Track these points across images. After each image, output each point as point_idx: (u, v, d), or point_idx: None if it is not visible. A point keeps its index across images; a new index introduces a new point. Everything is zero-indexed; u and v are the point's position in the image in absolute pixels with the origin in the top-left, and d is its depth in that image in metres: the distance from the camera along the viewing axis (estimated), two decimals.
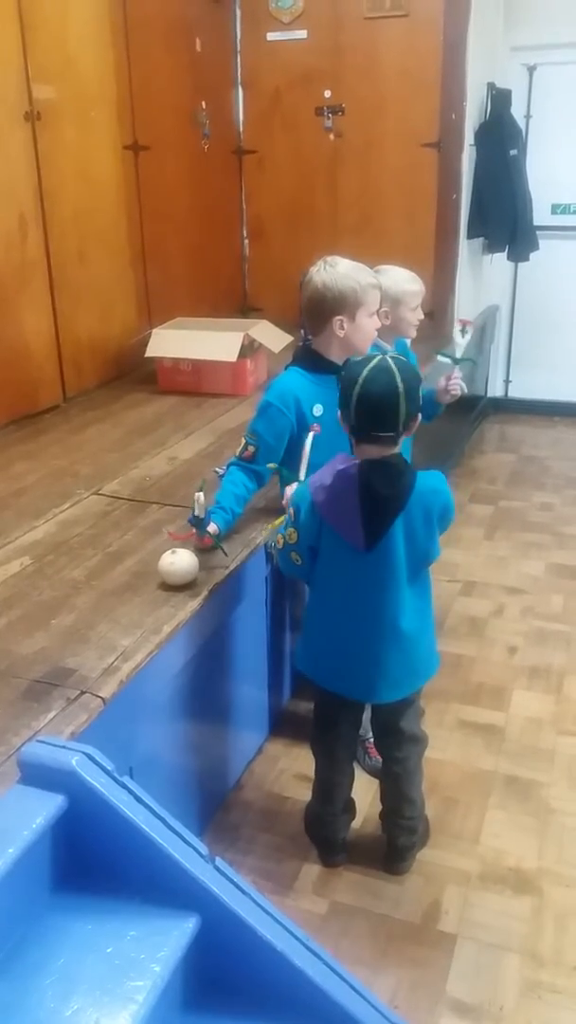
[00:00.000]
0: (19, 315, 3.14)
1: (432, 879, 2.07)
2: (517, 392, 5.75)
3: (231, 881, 1.28)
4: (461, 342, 2.52)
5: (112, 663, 1.62)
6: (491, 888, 2.04)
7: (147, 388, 3.61)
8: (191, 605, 1.85)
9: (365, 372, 1.67)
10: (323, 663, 1.95)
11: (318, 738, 2.08)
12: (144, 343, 3.57)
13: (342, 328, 2.12)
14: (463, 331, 2.53)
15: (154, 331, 3.58)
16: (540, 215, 5.05)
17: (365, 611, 1.82)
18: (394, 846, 2.08)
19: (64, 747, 1.29)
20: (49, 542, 2.18)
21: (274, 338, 3.56)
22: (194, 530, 2.02)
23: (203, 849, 1.30)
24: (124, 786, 1.28)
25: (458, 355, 2.51)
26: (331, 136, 4.58)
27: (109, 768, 1.28)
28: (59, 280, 3.32)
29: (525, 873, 2.08)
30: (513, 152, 4.67)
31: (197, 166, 4.28)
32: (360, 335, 2.16)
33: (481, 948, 1.89)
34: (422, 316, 2.53)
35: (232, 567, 2.03)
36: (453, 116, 4.33)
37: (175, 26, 3.98)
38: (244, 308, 4.97)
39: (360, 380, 1.67)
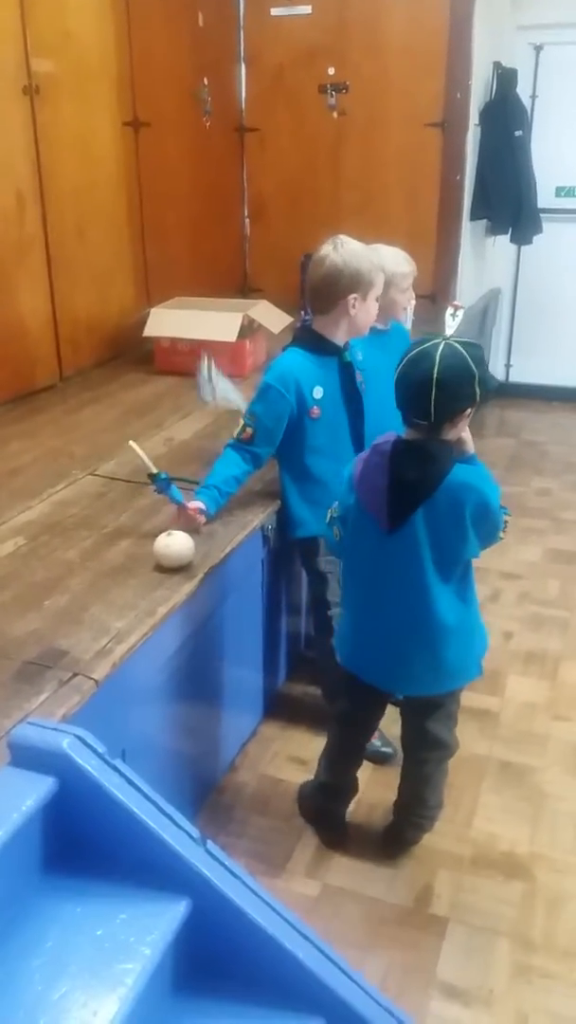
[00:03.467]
0: (16, 292, 3.11)
1: (425, 863, 2.07)
2: (518, 376, 5.72)
3: (222, 864, 1.28)
4: (452, 324, 2.51)
5: (105, 645, 1.62)
6: (483, 873, 2.04)
7: (144, 368, 3.58)
8: (186, 588, 1.84)
9: (411, 354, 1.67)
10: (350, 647, 1.94)
11: (337, 716, 2.08)
12: (142, 322, 3.54)
13: (354, 307, 2.12)
14: (454, 314, 2.51)
15: (152, 310, 3.55)
16: (544, 197, 5.01)
17: (387, 596, 1.80)
18: (399, 836, 2.09)
19: (55, 729, 1.29)
20: (43, 523, 2.17)
21: (274, 319, 3.54)
22: (179, 512, 2.02)
23: (195, 832, 1.30)
24: (116, 769, 1.27)
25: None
26: (334, 114, 4.53)
27: (101, 751, 1.27)
28: (57, 257, 3.29)
29: (517, 858, 2.08)
30: (518, 133, 4.62)
31: (198, 143, 4.23)
32: (367, 315, 2.19)
33: (472, 932, 1.90)
34: (414, 298, 2.51)
35: (228, 550, 2.02)
36: (458, 96, 4.28)
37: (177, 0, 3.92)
38: (244, 288, 4.93)
39: (404, 360, 1.68)
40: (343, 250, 2.07)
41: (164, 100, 3.90)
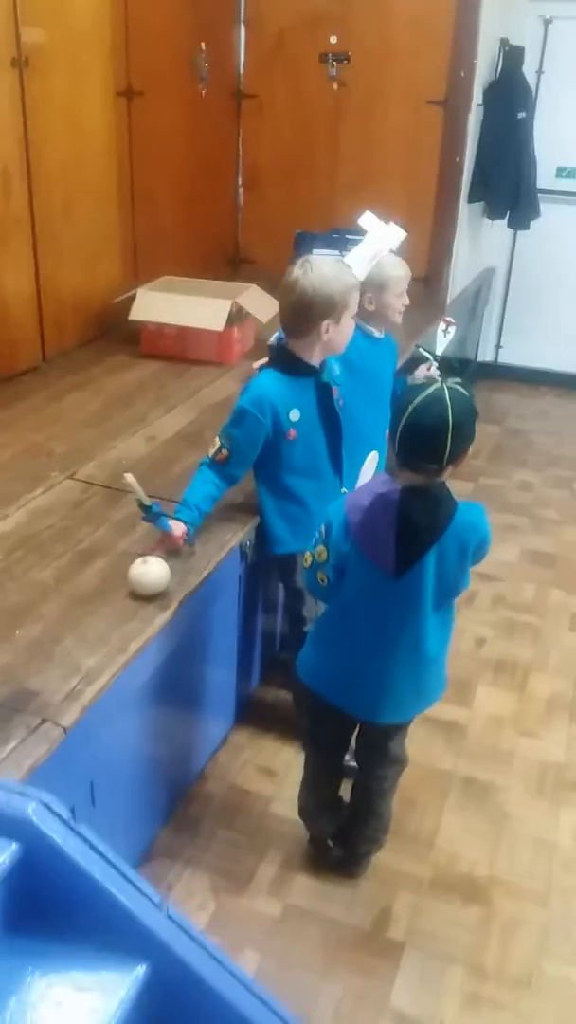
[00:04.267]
0: None
1: (385, 883, 2.12)
2: (507, 358, 5.68)
3: (182, 929, 1.30)
4: (444, 340, 2.49)
5: (75, 686, 1.62)
6: (441, 896, 2.10)
7: (129, 350, 3.52)
8: (160, 619, 1.84)
9: (419, 400, 1.65)
10: (329, 676, 1.93)
11: (309, 742, 2.11)
12: (129, 302, 3.48)
13: (327, 331, 2.10)
14: (446, 330, 2.49)
15: (140, 291, 3.48)
16: (544, 178, 4.91)
17: (386, 635, 1.81)
18: (352, 853, 2.13)
19: (20, 793, 1.29)
20: (19, 534, 2.15)
21: (263, 306, 3.48)
22: (163, 537, 2.01)
23: (156, 897, 1.31)
24: (79, 834, 1.28)
25: (439, 352, 2.47)
26: (335, 85, 4.41)
27: (65, 817, 1.28)
28: (43, 236, 3.21)
29: (476, 881, 2.13)
30: (521, 115, 4.51)
31: (193, 112, 4.11)
32: (343, 337, 2.17)
33: (427, 958, 1.95)
34: (407, 302, 2.49)
35: (204, 574, 2.02)
36: (462, 74, 4.16)
37: None
38: (236, 260, 4.85)
39: (412, 407, 1.65)
40: (312, 275, 2.03)
41: (159, 67, 3.78)
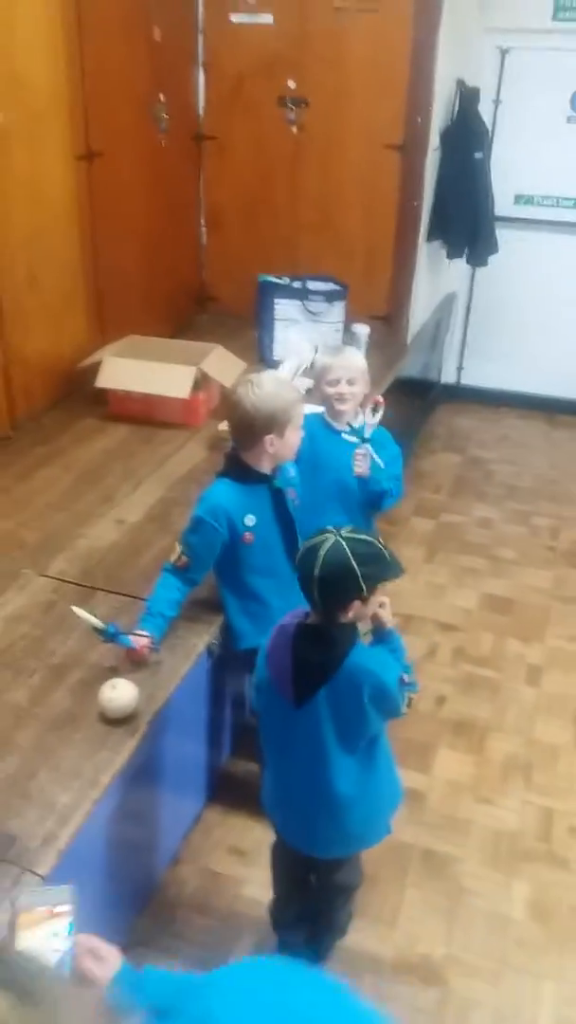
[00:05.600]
0: None
1: (351, 966, 2.24)
2: (469, 380, 5.80)
3: None
4: (372, 421, 2.56)
5: (51, 829, 1.72)
6: (402, 978, 2.24)
7: (98, 411, 3.58)
8: (129, 744, 1.95)
9: (303, 548, 1.77)
10: (270, 799, 2.05)
11: (273, 862, 2.21)
12: (96, 366, 3.54)
13: (272, 445, 2.21)
14: (375, 410, 2.57)
15: (105, 357, 3.54)
16: (503, 206, 5.01)
17: (296, 766, 1.91)
18: (316, 947, 2.24)
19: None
20: None
21: (227, 370, 3.55)
22: (127, 653, 2.12)
23: None
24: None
25: (366, 434, 2.56)
26: (293, 129, 4.45)
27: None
28: (8, 308, 3.26)
29: (433, 962, 2.28)
30: (478, 155, 4.58)
31: (154, 162, 4.14)
32: (288, 449, 2.29)
33: None
34: (346, 390, 2.56)
35: (172, 688, 2.13)
36: (419, 120, 4.22)
37: (132, 16, 3.78)
38: (201, 298, 4.90)
39: (299, 553, 1.78)
40: (255, 395, 2.16)
41: (118, 124, 3.80)
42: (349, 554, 1.71)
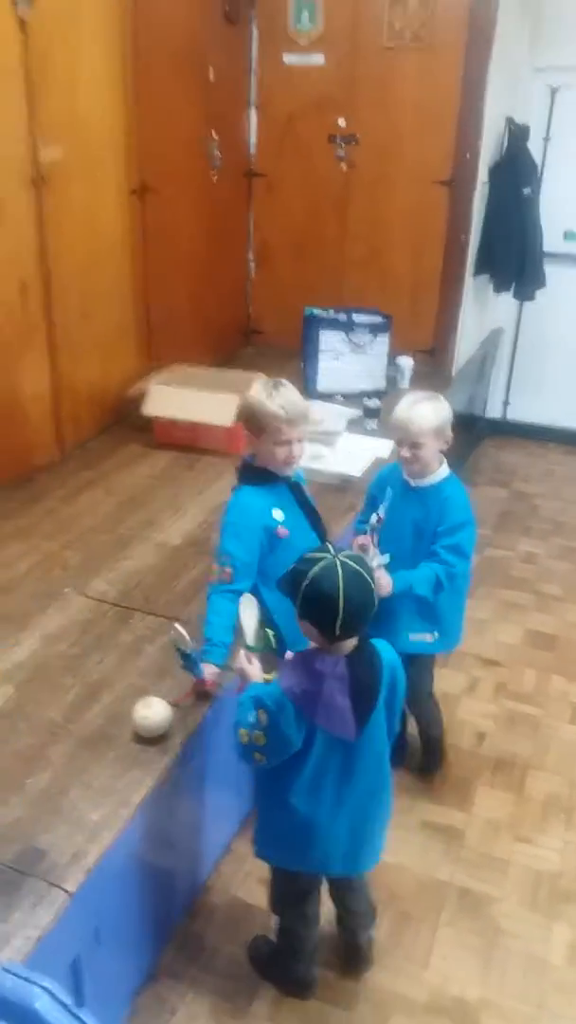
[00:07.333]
0: (17, 382, 3.17)
1: (380, 1007, 2.18)
2: (515, 415, 5.77)
3: None
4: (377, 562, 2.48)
5: (80, 846, 1.72)
6: (434, 1020, 2.16)
7: (144, 439, 3.65)
8: (161, 764, 1.94)
9: (313, 571, 1.74)
10: (290, 844, 1.98)
11: (286, 912, 2.18)
12: (142, 395, 3.60)
13: (250, 442, 2.26)
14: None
15: (152, 386, 3.60)
16: (552, 241, 5.00)
17: (356, 790, 1.89)
18: (353, 945, 2.25)
19: (27, 980, 1.39)
20: (32, 664, 2.27)
21: None
22: (196, 684, 2.12)
23: None
24: (80, 1020, 1.38)
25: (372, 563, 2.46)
26: (343, 166, 4.52)
27: (68, 1003, 1.38)
28: (61, 339, 3.34)
29: (467, 1005, 2.20)
30: (527, 191, 4.60)
31: (205, 198, 4.22)
32: (267, 456, 2.25)
33: None
34: (408, 454, 2.48)
35: (206, 711, 2.12)
36: (467, 155, 4.26)
37: (187, 55, 3.89)
38: (247, 331, 4.96)
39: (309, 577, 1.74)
40: (252, 391, 2.21)
41: (172, 161, 3.90)
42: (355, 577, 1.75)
